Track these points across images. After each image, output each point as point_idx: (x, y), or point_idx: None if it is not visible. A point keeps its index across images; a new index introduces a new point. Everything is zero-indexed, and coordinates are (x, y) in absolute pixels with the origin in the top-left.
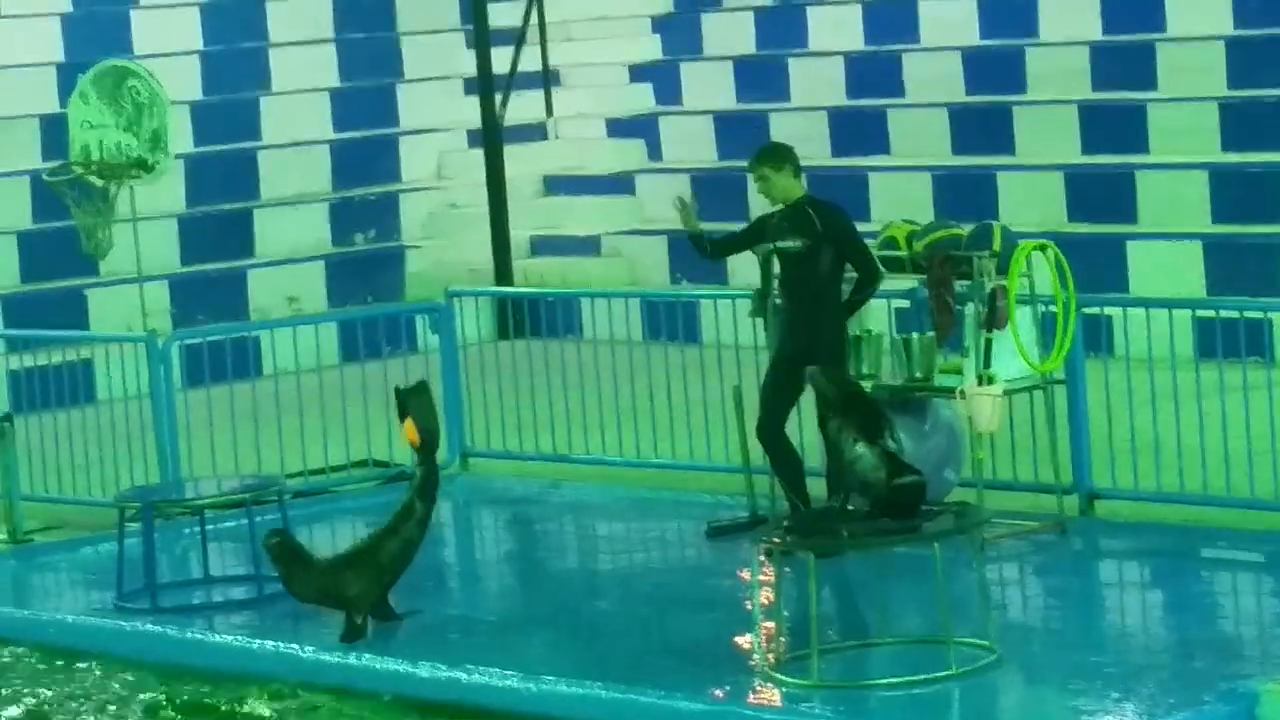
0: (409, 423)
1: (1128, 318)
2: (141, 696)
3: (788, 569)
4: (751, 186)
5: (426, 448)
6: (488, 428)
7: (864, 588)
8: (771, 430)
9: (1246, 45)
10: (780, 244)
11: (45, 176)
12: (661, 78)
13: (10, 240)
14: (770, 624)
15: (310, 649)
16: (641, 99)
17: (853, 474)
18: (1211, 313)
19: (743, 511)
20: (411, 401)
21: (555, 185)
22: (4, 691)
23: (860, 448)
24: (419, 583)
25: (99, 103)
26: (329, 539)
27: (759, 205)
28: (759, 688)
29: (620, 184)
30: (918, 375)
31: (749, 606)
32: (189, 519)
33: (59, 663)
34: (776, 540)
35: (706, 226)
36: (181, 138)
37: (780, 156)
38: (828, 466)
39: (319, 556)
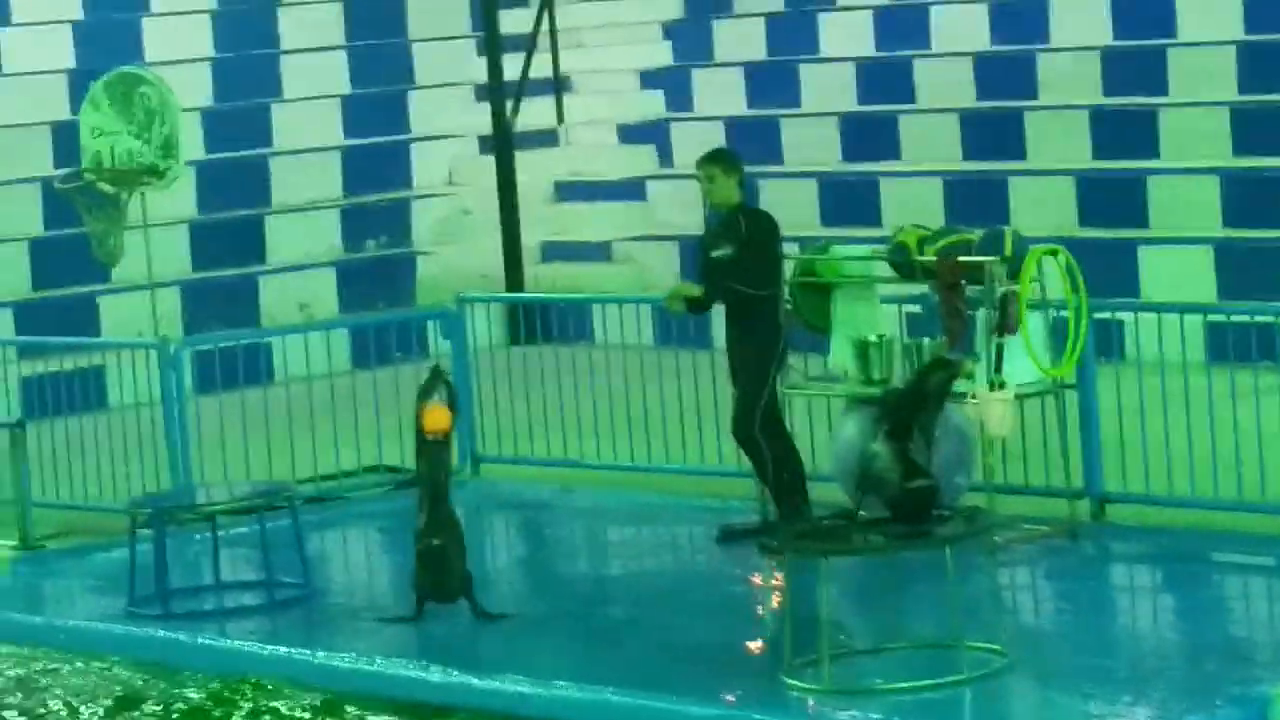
0: (445, 410)
1: (1139, 322)
2: (153, 702)
3: (799, 574)
4: (761, 191)
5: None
6: (499, 433)
7: (875, 592)
8: (768, 428)
9: (1258, 50)
10: (714, 253)
11: (57, 184)
12: (673, 84)
13: (22, 247)
14: (782, 629)
15: (322, 654)
16: (652, 105)
17: (869, 469)
18: (1223, 317)
19: (754, 516)
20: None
21: (566, 191)
22: (17, 696)
23: (878, 444)
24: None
25: (110, 110)
26: (340, 545)
27: (769, 210)
28: (770, 693)
29: (631, 190)
30: None
31: (760, 611)
32: (200, 525)
33: (71, 668)
34: (789, 546)
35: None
36: (193, 144)
37: (731, 162)
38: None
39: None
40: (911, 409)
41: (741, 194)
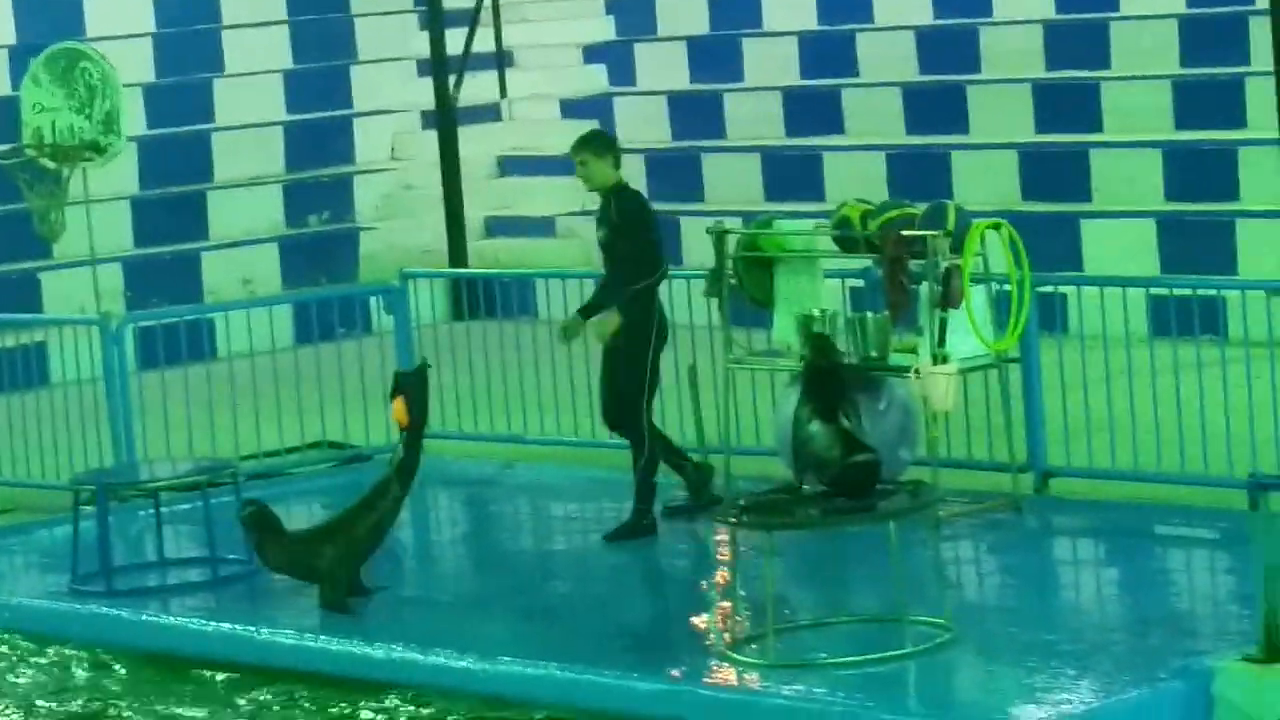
0: (399, 403)
1: (1082, 296)
2: (97, 679)
3: (744, 549)
4: (704, 166)
5: (413, 431)
6: (443, 409)
7: (820, 567)
8: (616, 417)
9: (1199, 24)
10: (598, 237)
11: None
12: (615, 58)
13: None
14: (726, 604)
15: (265, 631)
16: (595, 80)
17: (807, 452)
18: (1165, 290)
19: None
20: (409, 383)
21: (509, 166)
22: None
23: (814, 426)
24: (374, 563)
25: (51, 85)
26: (285, 521)
27: (712, 185)
28: (715, 667)
29: (574, 165)
30: (872, 354)
31: (705, 586)
32: (144, 501)
33: (13, 646)
34: (732, 520)
35: (664, 208)
36: (134, 120)
37: (603, 144)
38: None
39: (294, 529)
40: (832, 387)
41: (618, 175)
